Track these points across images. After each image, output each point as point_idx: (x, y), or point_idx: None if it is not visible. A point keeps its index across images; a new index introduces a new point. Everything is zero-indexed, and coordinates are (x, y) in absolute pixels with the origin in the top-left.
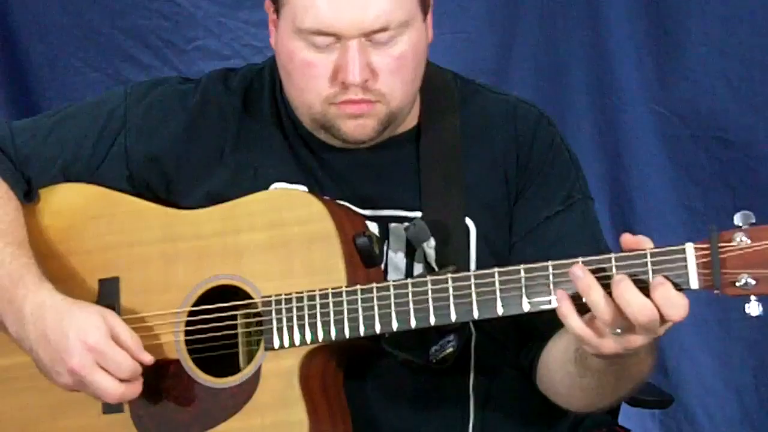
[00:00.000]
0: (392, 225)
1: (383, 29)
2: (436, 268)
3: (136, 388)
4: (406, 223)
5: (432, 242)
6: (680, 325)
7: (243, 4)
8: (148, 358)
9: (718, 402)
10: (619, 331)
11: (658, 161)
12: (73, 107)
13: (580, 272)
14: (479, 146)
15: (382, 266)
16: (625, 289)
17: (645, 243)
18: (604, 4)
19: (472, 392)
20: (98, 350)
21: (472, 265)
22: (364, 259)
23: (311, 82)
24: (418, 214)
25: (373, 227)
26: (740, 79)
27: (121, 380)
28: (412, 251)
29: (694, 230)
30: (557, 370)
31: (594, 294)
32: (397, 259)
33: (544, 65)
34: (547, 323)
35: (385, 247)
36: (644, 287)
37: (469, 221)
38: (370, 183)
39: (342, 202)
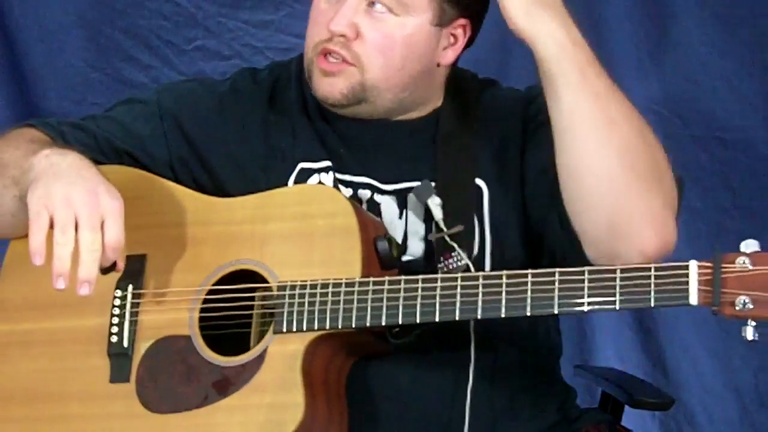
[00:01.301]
0: (410, 195)
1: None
2: (444, 228)
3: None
4: None
5: (437, 200)
6: (680, 325)
7: (243, 4)
8: (122, 264)
9: (718, 402)
10: None
11: None
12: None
13: None
14: (493, 127)
15: (402, 233)
16: None
17: None
18: (604, 4)
19: (472, 360)
20: (118, 212)
21: (486, 223)
22: (382, 261)
23: (314, 29)
24: (433, 184)
25: (392, 201)
26: (740, 79)
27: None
28: (429, 217)
29: (694, 230)
30: (560, 135)
31: None
32: (416, 225)
33: None
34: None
35: (404, 216)
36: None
37: (480, 182)
38: (391, 159)
39: (362, 180)
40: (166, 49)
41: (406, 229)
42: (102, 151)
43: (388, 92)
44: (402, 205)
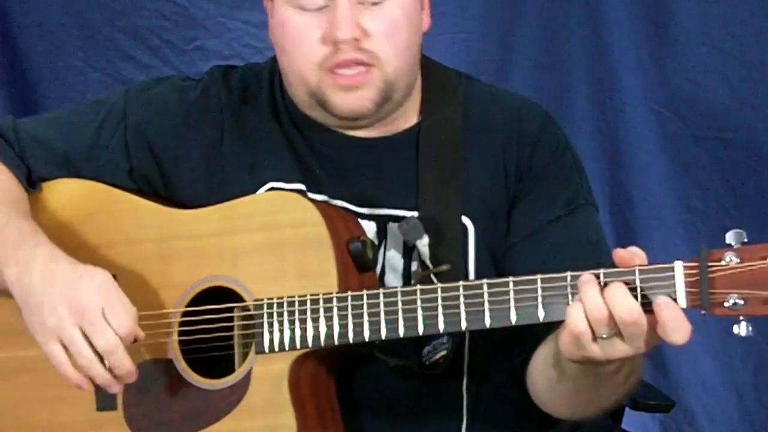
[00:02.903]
0: (390, 224)
1: None
2: (431, 266)
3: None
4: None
5: (425, 240)
6: None
7: (243, 4)
8: (142, 334)
9: (718, 402)
10: (604, 335)
11: (658, 161)
12: (74, 105)
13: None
14: (480, 144)
15: (380, 266)
16: (616, 288)
17: (637, 256)
18: (604, 4)
19: (465, 397)
20: (109, 295)
21: (471, 264)
22: (357, 265)
23: (303, 49)
24: (416, 214)
25: (371, 226)
26: (740, 79)
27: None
28: (409, 251)
29: (694, 230)
30: (539, 374)
31: (590, 290)
32: (394, 259)
33: (544, 65)
34: (540, 327)
35: (382, 248)
36: (647, 303)
37: (466, 220)
38: (369, 181)
39: (338, 203)
40: (166, 49)
41: (384, 263)
42: (58, 165)
43: (405, 77)
44: (381, 234)
